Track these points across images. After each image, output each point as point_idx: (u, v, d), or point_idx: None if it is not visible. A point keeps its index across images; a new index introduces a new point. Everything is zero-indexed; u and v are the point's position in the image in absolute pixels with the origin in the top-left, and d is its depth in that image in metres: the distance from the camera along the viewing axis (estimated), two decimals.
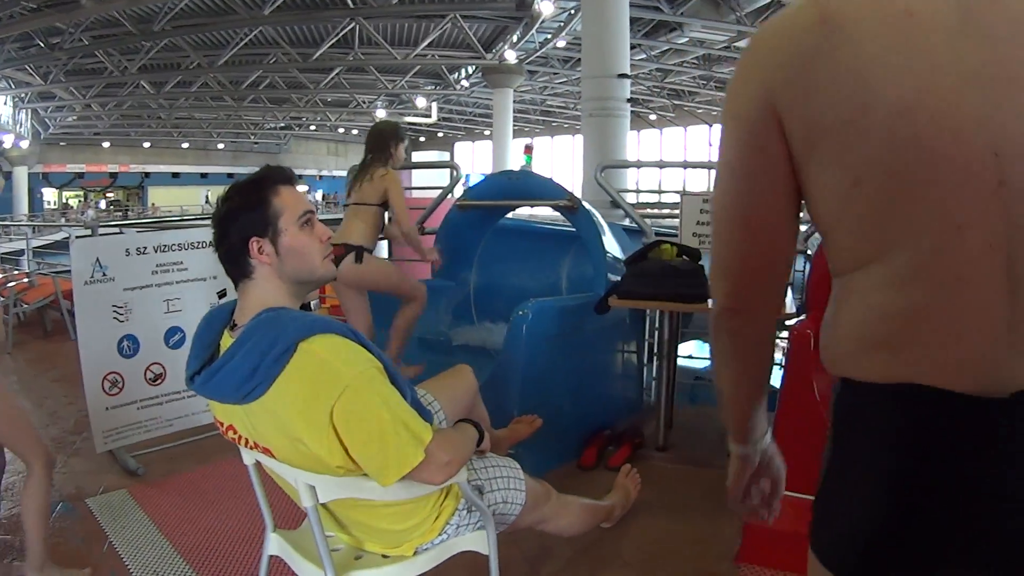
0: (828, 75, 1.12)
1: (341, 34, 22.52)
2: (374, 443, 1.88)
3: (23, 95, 31.06)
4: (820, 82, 1.13)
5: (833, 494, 1.27)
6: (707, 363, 4.45)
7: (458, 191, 5.68)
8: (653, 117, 38.71)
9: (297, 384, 1.87)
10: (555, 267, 5.22)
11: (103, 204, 44.85)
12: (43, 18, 19.13)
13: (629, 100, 12.42)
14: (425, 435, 1.92)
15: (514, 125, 39.06)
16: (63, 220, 35.61)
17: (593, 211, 4.57)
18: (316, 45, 23.61)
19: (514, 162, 26.94)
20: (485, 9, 21.02)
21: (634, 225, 4.91)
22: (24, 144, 34.64)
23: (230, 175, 45.36)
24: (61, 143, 41.13)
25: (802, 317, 3.45)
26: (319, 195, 49.60)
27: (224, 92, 30.40)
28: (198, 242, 4.30)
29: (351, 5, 20.13)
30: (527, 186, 4.87)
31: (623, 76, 12.13)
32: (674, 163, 9.54)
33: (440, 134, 48.76)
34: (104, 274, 3.97)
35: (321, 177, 51.30)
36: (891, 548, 1.19)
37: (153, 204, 45.56)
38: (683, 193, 4.41)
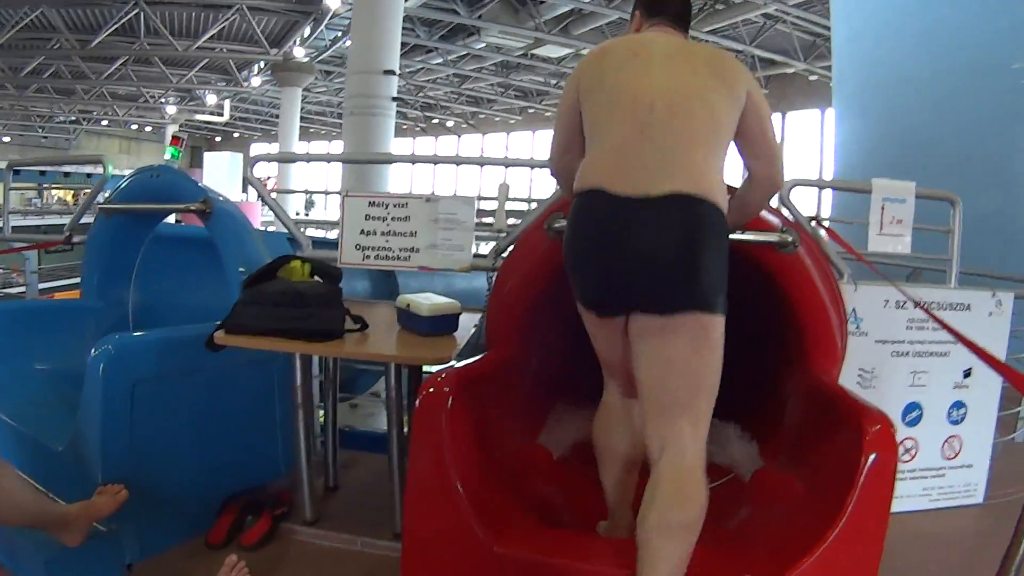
0: (594, 73, 2.44)
1: (122, 20, 20.78)
2: None
3: None
4: (591, 76, 2.45)
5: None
6: None
7: None
8: (451, 123, 38.17)
9: None
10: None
11: None
12: None
13: (394, 99, 11.65)
14: None
15: (311, 127, 38.19)
16: None
17: (237, 217, 3.70)
18: (96, 31, 21.78)
19: (295, 167, 25.59)
20: (271, 0, 19.80)
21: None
22: None
23: (16, 171, 42.51)
24: None
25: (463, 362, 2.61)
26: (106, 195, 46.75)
27: (5, 79, 28.02)
28: None
29: None
30: (164, 186, 3.93)
31: (389, 72, 11.36)
32: (338, 156, 9.21)
33: (236, 134, 46.97)
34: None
35: (114, 176, 48.26)
36: (584, 271, 2.32)
37: None
38: (345, 194, 3.50)
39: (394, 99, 11.51)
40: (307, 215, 25.35)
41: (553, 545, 2.31)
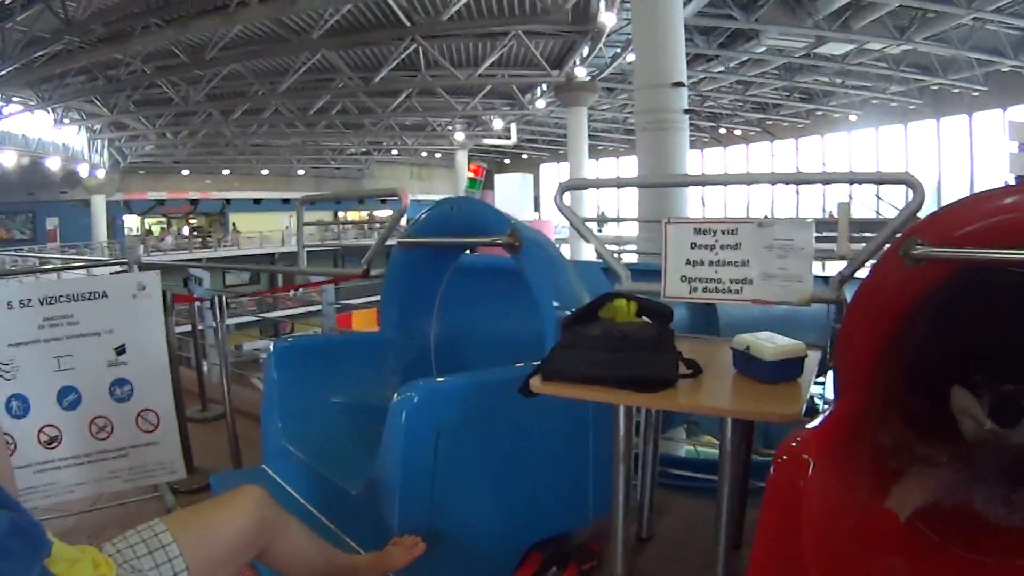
0: None
1: (402, 56, 21.79)
2: None
3: (95, 126, 31.56)
4: None
5: None
6: None
7: None
8: (738, 132, 37.26)
9: None
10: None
11: (186, 230, 44.92)
12: (97, 52, 19.55)
13: (687, 112, 11.27)
14: None
15: (598, 145, 38.49)
16: (141, 247, 36.58)
17: (547, 249, 3.44)
18: (377, 69, 22.94)
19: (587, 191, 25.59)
20: (545, 24, 19.98)
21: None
22: (100, 173, 35.54)
23: (313, 202, 45.36)
24: (141, 171, 41.34)
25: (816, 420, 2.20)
26: (404, 220, 48.95)
27: (295, 118, 30.10)
28: (89, 293, 3.72)
29: (407, 24, 19.27)
30: (466, 218, 3.73)
31: (678, 85, 11.01)
32: (635, 181, 8.78)
33: (524, 156, 47.99)
34: None
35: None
36: None
37: (234, 227, 45.62)
38: (668, 221, 3.11)
39: (686, 111, 11.15)
40: (599, 230, 25.47)
41: None
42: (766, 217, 2.86)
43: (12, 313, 3.56)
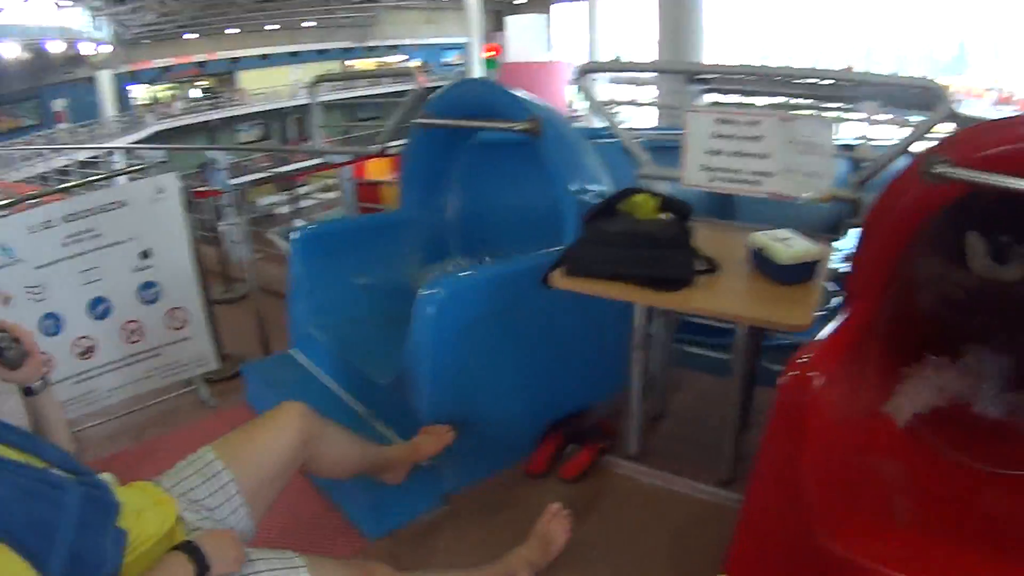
0: None
1: None
2: None
3: (95, 3, 31.41)
4: None
5: None
6: None
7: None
8: None
9: None
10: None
11: (195, 93, 44.22)
12: None
13: None
14: None
15: None
16: (150, 115, 37.08)
17: (568, 135, 3.44)
18: None
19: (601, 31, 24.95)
20: None
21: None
22: (104, 49, 34.83)
23: (321, 51, 44.52)
24: (145, 41, 40.03)
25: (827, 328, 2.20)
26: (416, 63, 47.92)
27: None
28: (109, 204, 3.76)
29: None
30: (484, 101, 3.66)
31: None
32: (653, 66, 8.39)
33: None
34: (11, 257, 3.51)
35: (418, 47, 49.48)
36: None
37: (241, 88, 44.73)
38: (689, 109, 3.07)
39: None
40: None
41: (893, 553, 1.93)
42: (788, 113, 2.84)
43: (35, 236, 3.57)
